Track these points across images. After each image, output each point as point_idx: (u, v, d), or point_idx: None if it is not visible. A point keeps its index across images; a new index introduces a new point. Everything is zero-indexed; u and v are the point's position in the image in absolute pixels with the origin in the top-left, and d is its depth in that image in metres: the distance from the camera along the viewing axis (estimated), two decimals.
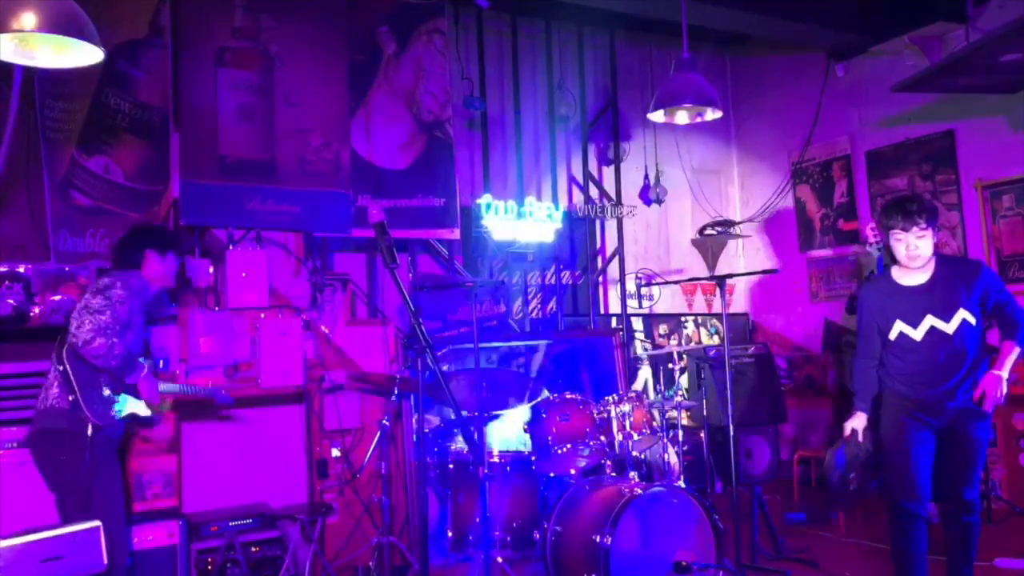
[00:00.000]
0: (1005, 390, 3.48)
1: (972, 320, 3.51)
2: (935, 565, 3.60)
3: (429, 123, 5.56)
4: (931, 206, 3.58)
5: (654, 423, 4.35)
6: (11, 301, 4.06)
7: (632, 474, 4.14)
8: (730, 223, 7.21)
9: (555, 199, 6.34)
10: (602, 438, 4.20)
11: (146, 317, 3.68)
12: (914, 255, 3.52)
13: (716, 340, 6.70)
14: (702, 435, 4.97)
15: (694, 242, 7.25)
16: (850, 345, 6.53)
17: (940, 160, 6.06)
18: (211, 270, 4.66)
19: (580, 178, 6.63)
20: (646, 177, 6.87)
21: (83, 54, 2.93)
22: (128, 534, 3.70)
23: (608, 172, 6.71)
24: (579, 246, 6.50)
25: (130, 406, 3.52)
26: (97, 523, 1.90)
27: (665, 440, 4.50)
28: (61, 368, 3.38)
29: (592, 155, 6.72)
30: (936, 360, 3.54)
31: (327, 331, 4.96)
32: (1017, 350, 3.54)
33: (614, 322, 6.49)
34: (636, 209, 6.63)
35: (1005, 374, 3.50)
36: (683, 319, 6.77)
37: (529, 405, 4.53)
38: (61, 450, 3.34)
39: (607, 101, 6.76)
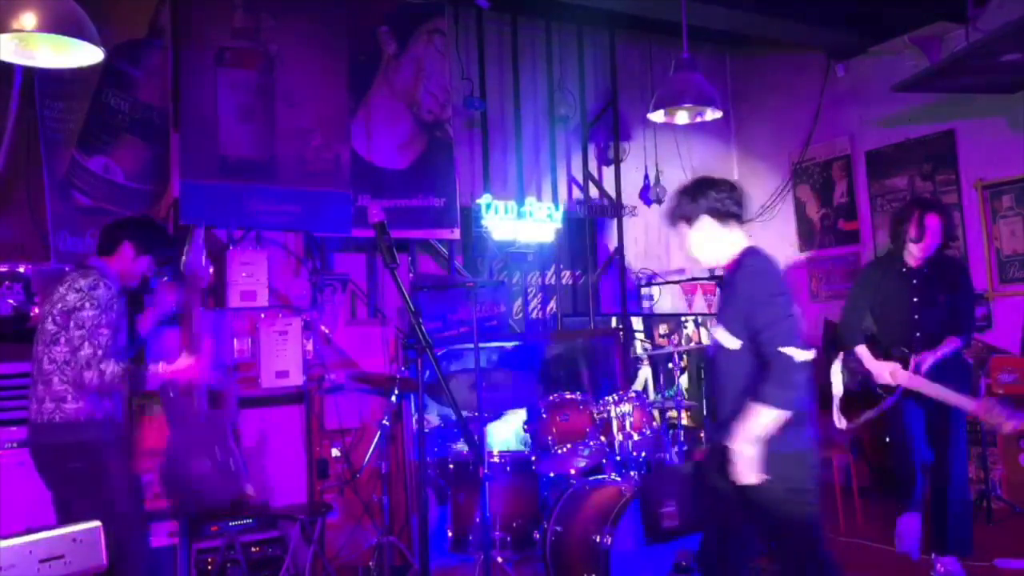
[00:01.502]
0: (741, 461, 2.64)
1: (731, 344, 2.74)
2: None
3: (429, 123, 5.56)
4: (680, 202, 2.86)
5: (654, 423, 4.35)
6: (11, 301, 4.05)
7: (632, 474, 4.15)
8: None
9: (555, 199, 6.34)
10: (602, 438, 4.20)
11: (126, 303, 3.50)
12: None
13: None
14: (702, 435, 4.97)
15: None
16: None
17: (940, 160, 6.06)
18: (211, 270, 4.66)
19: (580, 178, 6.63)
20: (646, 177, 6.87)
21: (83, 54, 2.93)
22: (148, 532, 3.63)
23: (608, 172, 6.71)
24: (579, 246, 6.50)
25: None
26: (97, 523, 1.89)
27: (665, 440, 4.50)
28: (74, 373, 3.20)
29: (592, 155, 6.72)
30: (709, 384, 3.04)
31: (327, 331, 4.97)
32: (762, 412, 2.59)
33: (614, 322, 6.49)
34: (636, 209, 6.63)
35: (740, 445, 2.62)
36: (683, 319, 6.76)
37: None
38: (76, 459, 3.21)
39: (607, 101, 6.75)
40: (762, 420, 2.60)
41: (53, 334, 3.24)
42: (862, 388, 4.07)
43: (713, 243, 2.85)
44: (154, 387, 3.49)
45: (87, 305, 3.21)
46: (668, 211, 2.94)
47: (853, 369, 4.14)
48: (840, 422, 4.10)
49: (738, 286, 2.77)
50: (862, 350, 4.07)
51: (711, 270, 7.04)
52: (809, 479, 2.74)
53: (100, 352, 3.19)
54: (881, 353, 4.05)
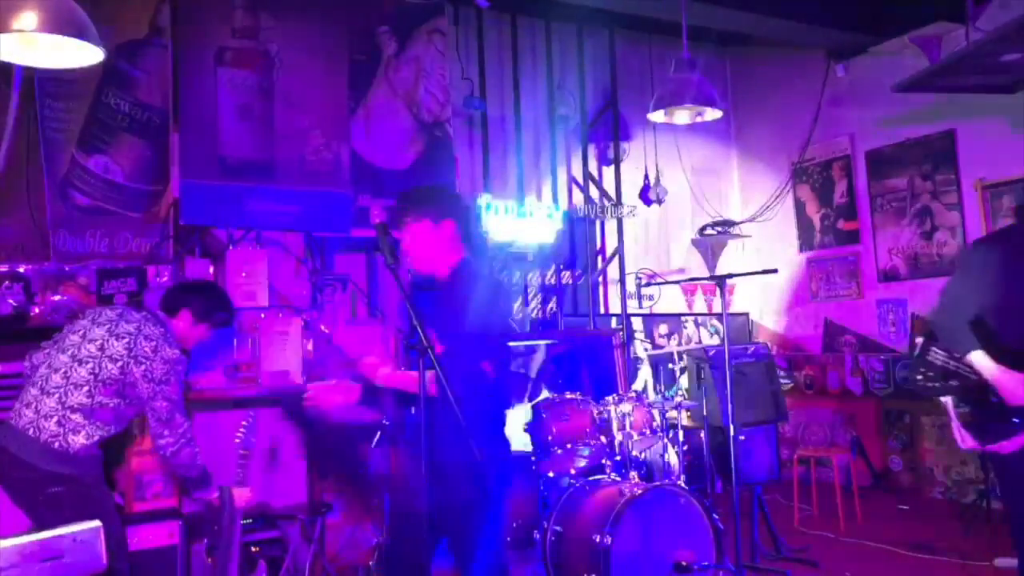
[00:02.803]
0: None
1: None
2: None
3: (429, 123, 5.56)
4: (425, 201, 2.91)
5: (654, 423, 4.35)
6: (11, 301, 4.05)
7: (632, 474, 4.14)
8: (730, 223, 7.21)
9: (555, 199, 6.35)
10: (602, 438, 4.19)
11: None
12: None
13: (716, 340, 6.70)
14: (702, 435, 4.97)
15: (694, 242, 7.25)
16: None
17: (940, 160, 6.06)
18: (211, 270, 4.65)
19: (580, 178, 6.63)
20: (646, 177, 6.87)
21: (83, 54, 2.92)
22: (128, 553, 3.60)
23: (608, 172, 6.71)
24: (579, 246, 6.50)
25: None
26: (97, 523, 1.89)
27: (665, 440, 4.50)
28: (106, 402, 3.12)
29: (592, 155, 6.72)
30: None
31: (327, 331, 4.96)
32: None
33: (614, 322, 6.49)
34: (636, 209, 6.63)
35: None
36: (683, 319, 6.76)
37: (529, 405, 4.53)
38: (58, 485, 3.08)
39: (607, 101, 6.75)
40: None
41: (112, 378, 3.13)
42: (976, 400, 3.00)
43: (453, 247, 2.88)
44: (210, 495, 3.43)
45: (172, 379, 3.21)
46: (411, 207, 2.89)
47: (940, 365, 3.06)
48: (964, 440, 3.05)
49: (457, 292, 2.77)
50: (980, 357, 2.91)
51: (711, 270, 7.06)
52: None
53: (192, 432, 3.23)
54: (1008, 361, 2.89)
